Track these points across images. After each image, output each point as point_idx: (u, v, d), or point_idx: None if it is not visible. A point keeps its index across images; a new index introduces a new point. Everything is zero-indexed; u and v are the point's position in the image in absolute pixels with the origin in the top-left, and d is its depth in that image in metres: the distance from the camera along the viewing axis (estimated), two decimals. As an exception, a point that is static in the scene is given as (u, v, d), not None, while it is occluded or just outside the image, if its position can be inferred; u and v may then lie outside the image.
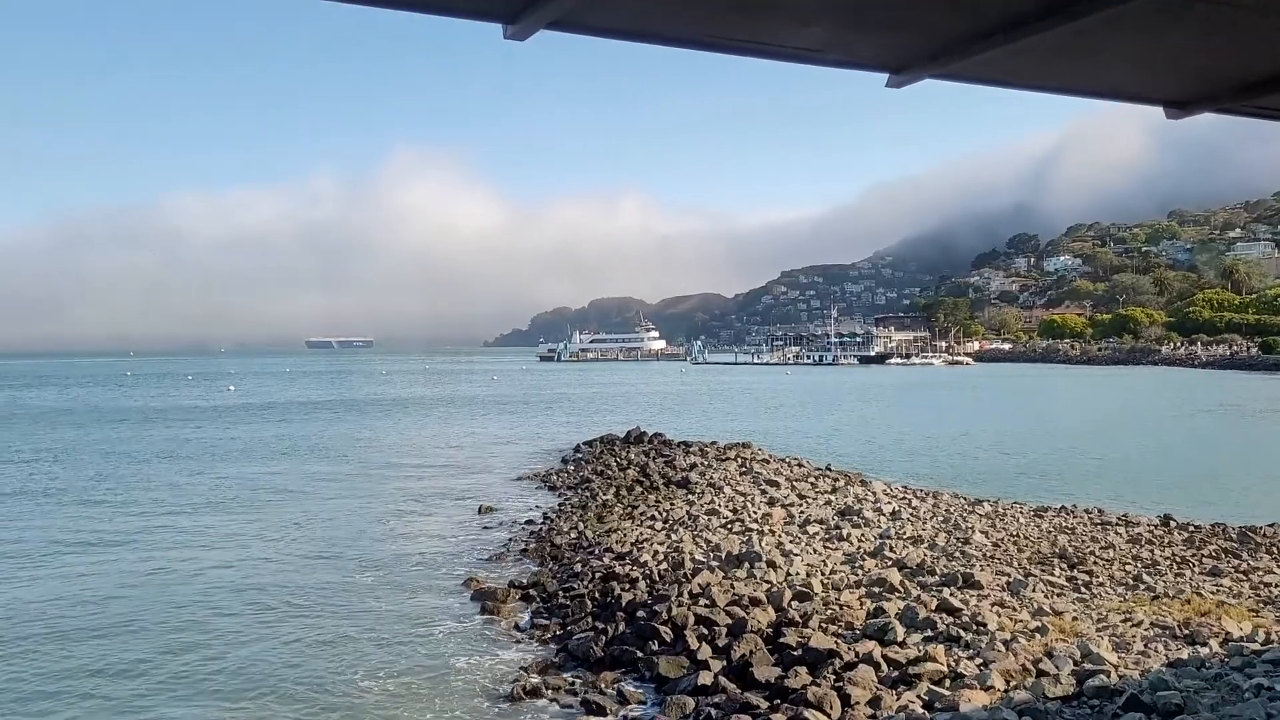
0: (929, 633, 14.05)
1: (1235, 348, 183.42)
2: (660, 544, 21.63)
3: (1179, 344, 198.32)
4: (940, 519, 24.32)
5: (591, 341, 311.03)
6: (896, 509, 25.32)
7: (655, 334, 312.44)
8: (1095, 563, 19.19)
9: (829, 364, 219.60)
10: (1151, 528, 23.55)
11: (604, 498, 29.83)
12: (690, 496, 28.67)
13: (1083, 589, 17.16)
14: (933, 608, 15.03)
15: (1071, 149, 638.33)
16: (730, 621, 15.09)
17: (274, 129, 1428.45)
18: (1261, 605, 15.81)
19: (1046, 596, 16.38)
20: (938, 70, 5.12)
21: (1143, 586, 17.30)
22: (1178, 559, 19.76)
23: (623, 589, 17.82)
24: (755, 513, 24.98)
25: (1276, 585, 17.29)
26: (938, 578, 17.49)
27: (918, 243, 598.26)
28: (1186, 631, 14.01)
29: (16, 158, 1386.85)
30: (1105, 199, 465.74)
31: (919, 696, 11.85)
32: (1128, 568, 18.90)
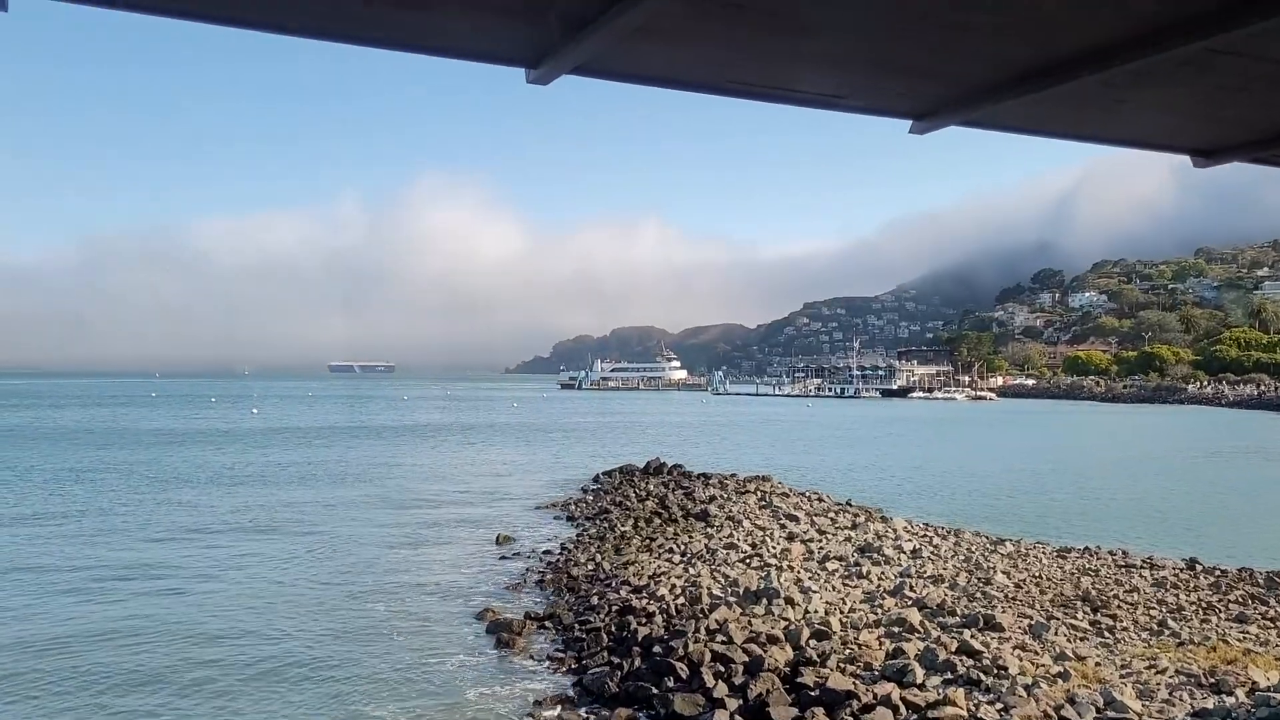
0: (949, 675, 13.86)
1: (1263, 387, 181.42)
2: (678, 578, 21.49)
3: (1205, 382, 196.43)
4: (961, 558, 24.07)
5: (613, 370, 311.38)
6: (917, 547, 25.08)
7: (677, 363, 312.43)
8: (1119, 606, 18.91)
9: (851, 397, 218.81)
10: (1177, 571, 23.22)
11: (622, 529, 29.70)
12: (709, 530, 28.51)
13: (1106, 633, 16.90)
14: (953, 649, 14.84)
15: (1092, 188, 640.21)
16: (747, 659, 14.94)
17: (300, 155, 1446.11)
18: (1289, 654, 15.51)
19: (1069, 640, 16.15)
20: (962, 117, 5.09)
21: (1167, 632, 17.03)
22: (1203, 604, 19.46)
23: (639, 623, 17.70)
24: (774, 548, 24.79)
25: (1304, 634, 16.97)
26: (958, 618, 17.28)
27: (940, 277, 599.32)
28: (1212, 680, 13.75)
29: (46, 181, 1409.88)
30: (1127, 238, 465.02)
31: (937, 742, 11.67)
32: (1152, 612, 18.62)
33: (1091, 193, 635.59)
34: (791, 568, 22.16)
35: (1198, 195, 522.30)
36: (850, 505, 34.30)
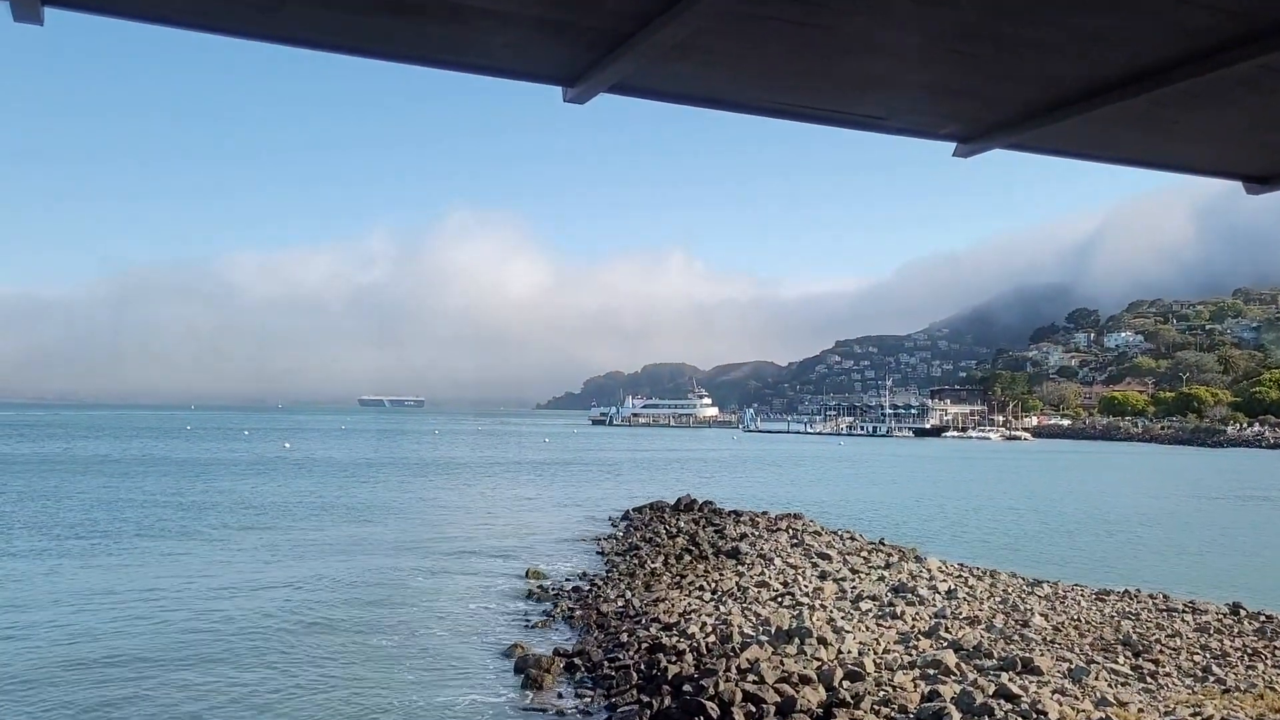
0: (986, 719, 13.52)
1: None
2: (708, 616, 21.22)
3: (1245, 424, 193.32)
4: (998, 599, 23.62)
5: (644, 406, 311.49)
6: (952, 587, 24.64)
7: (708, 400, 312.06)
8: (1161, 651, 18.44)
9: (883, 435, 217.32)
10: (1220, 616, 22.64)
11: (652, 566, 29.45)
12: (740, 567, 28.19)
13: (1148, 679, 16.46)
14: (990, 693, 14.47)
15: (1115, 231, 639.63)
16: (779, 700, 14.66)
17: (330, 192, 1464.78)
18: (1341, 703, 15.01)
19: (1110, 686, 15.72)
20: (1007, 140, 4.98)
21: (1212, 679, 16.56)
22: (1249, 650, 18.92)
23: (669, 661, 17.45)
24: (806, 586, 24.46)
25: (1356, 682, 16.43)
26: (995, 661, 16.89)
27: (972, 317, 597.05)
28: (1261, 729, 13.33)
29: (80, 217, 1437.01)
30: (1152, 280, 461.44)
31: (976, 788, 11.34)
32: (1196, 658, 18.13)
33: (1114, 236, 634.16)
34: (824, 607, 21.82)
35: (1219, 240, 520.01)
36: (883, 544, 33.84)
